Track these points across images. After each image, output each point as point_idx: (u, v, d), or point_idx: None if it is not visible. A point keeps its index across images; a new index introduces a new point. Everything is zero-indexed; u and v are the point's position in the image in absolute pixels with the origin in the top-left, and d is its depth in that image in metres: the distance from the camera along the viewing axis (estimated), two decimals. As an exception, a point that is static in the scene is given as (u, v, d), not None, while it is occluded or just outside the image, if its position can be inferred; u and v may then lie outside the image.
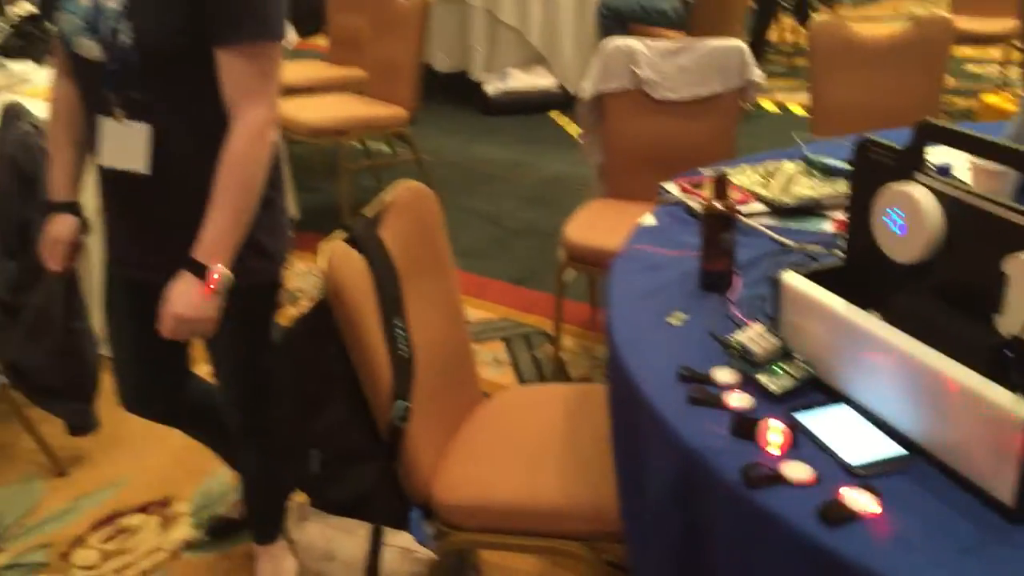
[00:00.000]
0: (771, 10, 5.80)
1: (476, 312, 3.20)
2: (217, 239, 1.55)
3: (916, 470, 1.12)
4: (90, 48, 1.55)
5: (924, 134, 1.20)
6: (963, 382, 1.06)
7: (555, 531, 1.58)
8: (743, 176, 1.97)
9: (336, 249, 1.55)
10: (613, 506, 1.54)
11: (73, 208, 1.76)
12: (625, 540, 1.47)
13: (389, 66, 3.85)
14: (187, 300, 1.55)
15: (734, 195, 1.87)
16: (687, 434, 1.22)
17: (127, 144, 1.60)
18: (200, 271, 1.54)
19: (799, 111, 5.19)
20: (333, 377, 1.64)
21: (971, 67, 6.01)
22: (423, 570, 1.58)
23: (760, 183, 1.91)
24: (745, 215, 1.82)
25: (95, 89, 1.60)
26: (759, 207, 1.85)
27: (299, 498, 1.75)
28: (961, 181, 1.19)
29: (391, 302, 1.63)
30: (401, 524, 1.64)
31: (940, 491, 1.09)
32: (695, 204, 1.87)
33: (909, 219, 1.20)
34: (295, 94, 3.98)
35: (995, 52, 5.52)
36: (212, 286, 1.54)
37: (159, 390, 1.91)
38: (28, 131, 2.19)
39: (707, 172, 2.03)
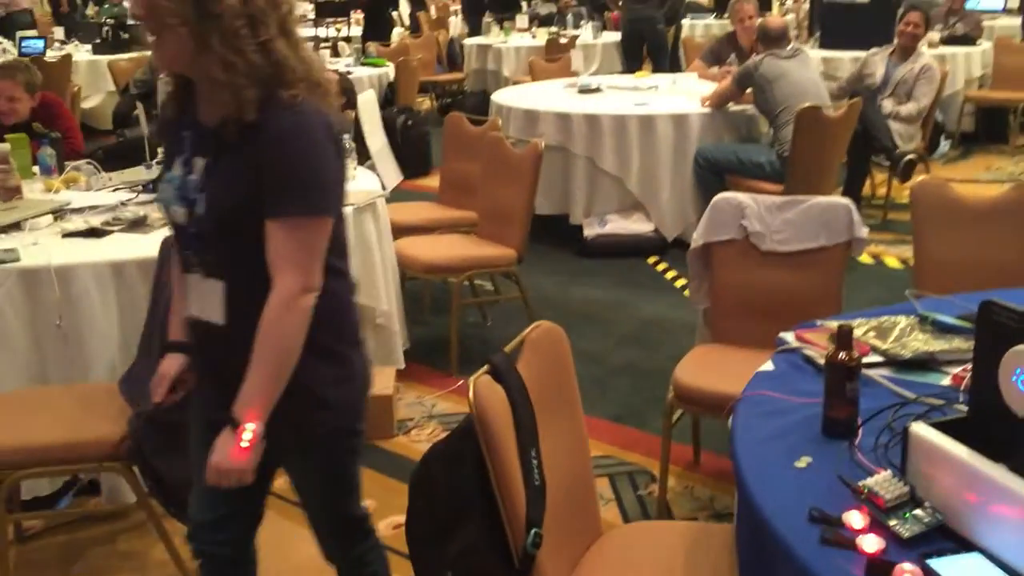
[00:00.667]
0: (864, 165, 5.95)
1: (579, 448, 3.28)
2: (251, 397, 1.70)
3: (1051, 619, 1.17)
4: (177, 214, 1.77)
5: (1048, 300, 1.30)
6: (1097, 535, 1.12)
7: (679, 665, 1.63)
8: (857, 329, 2.07)
9: (482, 381, 1.69)
10: (738, 644, 1.59)
11: (183, 348, 1.94)
12: None
13: (500, 210, 4.08)
14: (223, 452, 1.69)
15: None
16: (823, 574, 1.29)
17: (207, 298, 1.78)
18: (236, 426, 1.69)
19: (895, 264, 5.26)
20: (469, 502, 1.75)
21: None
22: None
23: (874, 336, 2.00)
24: (864, 365, 1.91)
25: (181, 249, 1.82)
26: (875, 358, 1.93)
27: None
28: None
29: (528, 433, 1.75)
30: (527, 647, 1.71)
31: (1077, 641, 1.13)
32: (812, 353, 1.97)
33: (1036, 378, 1.28)
34: (408, 233, 4.23)
35: None
36: (241, 441, 1.67)
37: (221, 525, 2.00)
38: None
39: (822, 323, 2.13)
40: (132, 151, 4.11)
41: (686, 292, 4.90)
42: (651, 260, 5.47)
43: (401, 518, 2.87)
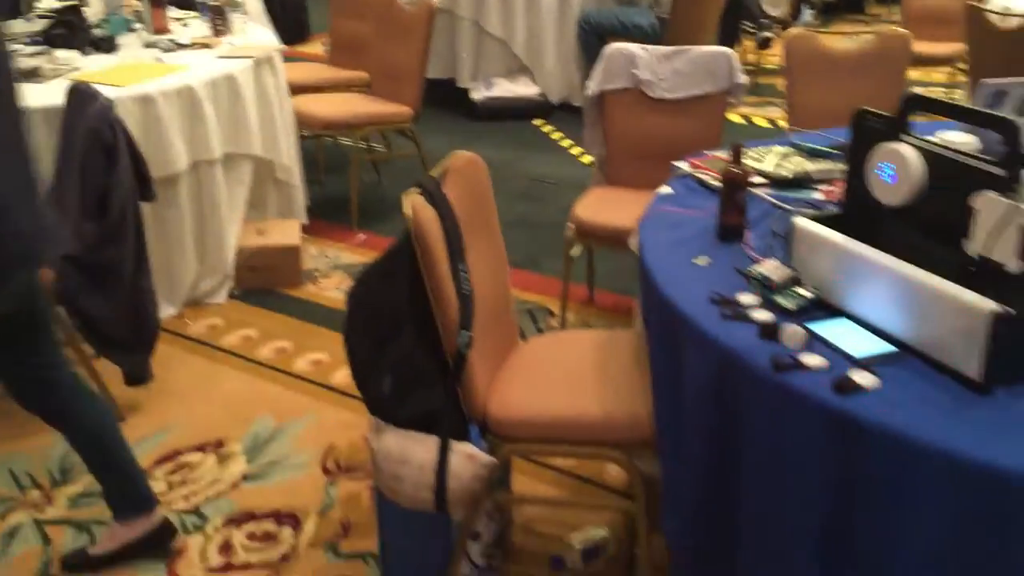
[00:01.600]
0: (735, 30, 6.21)
1: (481, 291, 3.49)
2: None
3: (905, 362, 1.45)
4: None
5: (910, 103, 1.54)
6: (941, 289, 1.39)
7: (596, 439, 1.89)
8: (745, 158, 2.30)
9: (417, 200, 1.84)
10: (645, 418, 1.85)
11: None
12: (657, 443, 1.78)
13: (393, 68, 4.14)
14: None
15: (738, 170, 2.20)
16: (723, 339, 1.53)
17: None
18: None
19: (763, 123, 5.58)
20: (404, 311, 1.92)
21: (918, 90, 6.46)
22: (485, 472, 1.87)
23: (756, 161, 2.25)
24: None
25: None
26: (759, 180, 2.18)
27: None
28: (938, 141, 1.52)
29: (456, 248, 1.93)
30: (460, 437, 1.92)
31: (924, 374, 1.41)
32: (704, 176, 2.19)
33: (898, 170, 1.53)
34: (301, 92, 4.25)
35: (939, 75, 5.99)
36: None
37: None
38: (106, 105, 2.45)
39: (710, 153, 2.36)
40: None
41: (572, 151, 5.12)
42: (538, 122, 5.63)
43: (317, 355, 3.06)
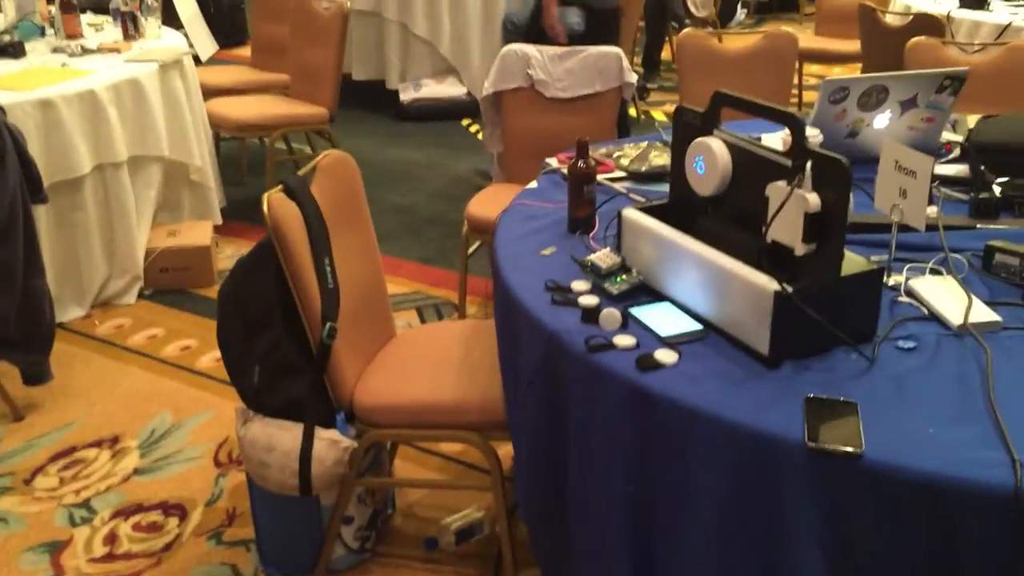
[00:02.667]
0: (662, 30, 6.34)
1: (392, 287, 3.58)
2: None
3: (710, 340, 1.55)
4: None
5: (718, 100, 1.64)
6: (737, 271, 1.50)
7: (451, 423, 1.98)
8: (615, 152, 2.41)
9: (275, 196, 1.93)
10: (497, 402, 1.94)
11: None
12: (507, 419, 1.87)
13: (310, 70, 4.21)
14: None
15: (600, 164, 2.30)
16: (550, 323, 1.63)
17: None
18: None
19: (661, 117, 5.72)
20: (271, 304, 2.01)
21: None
22: (345, 456, 1.96)
23: (622, 157, 2.35)
24: (610, 180, 2.25)
25: None
26: (620, 173, 2.28)
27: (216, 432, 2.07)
28: (743, 136, 1.63)
29: (321, 242, 2.01)
30: (328, 424, 2.01)
31: (723, 351, 1.52)
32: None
33: (707, 163, 1.64)
34: (221, 95, 4.31)
35: (842, 70, 6.17)
36: None
37: None
38: (-6, 111, 2.50)
39: (581, 149, 2.47)
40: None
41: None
42: (465, 122, 5.72)
43: (187, 341, 3.11)
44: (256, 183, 4.65)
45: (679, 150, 1.74)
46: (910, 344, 1.52)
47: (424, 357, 2.16)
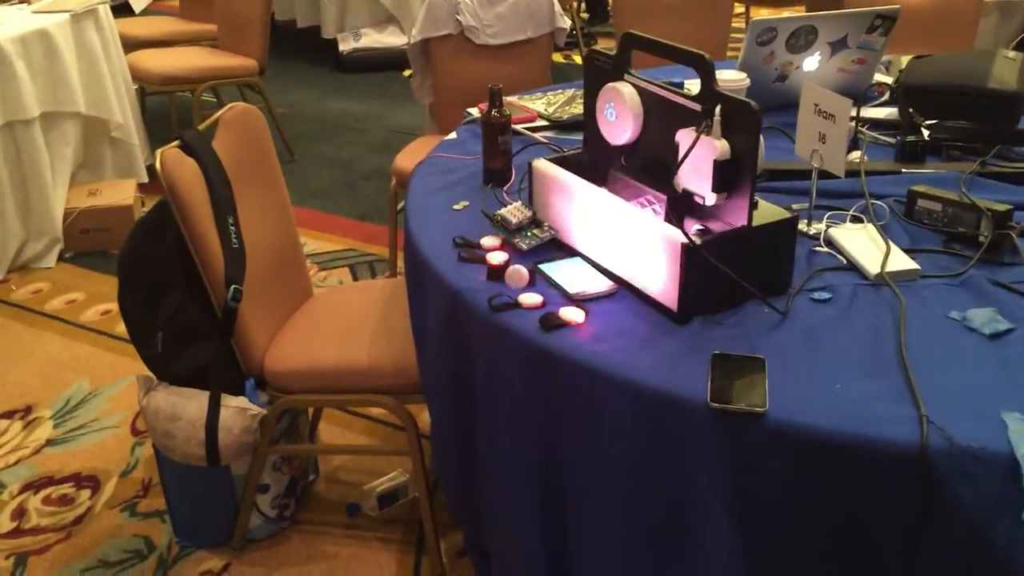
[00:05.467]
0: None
1: (325, 244, 3.48)
2: None
3: (620, 296, 1.48)
4: None
5: (627, 42, 1.55)
6: (645, 224, 1.42)
7: (365, 387, 1.90)
8: (538, 100, 2.32)
9: (170, 154, 1.82)
10: (414, 364, 1.87)
11: None
12: (421, 384, 1.80)
13: (238, 20, 4.04)
14: None
15: (522, 113, 2.21)
16: (455, 281, 1.55)
17: None
18: None
19: None
20: (173, 267, 1.91)
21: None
22: (254, 424, 1.88)
23: (544, 104, 2.26)
24: (531, 128, 2.16)
25: None
26: (541, 123, 2.19)
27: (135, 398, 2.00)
28: (654, 80, 1.55)
29: (223, 201, 1.91)
30: (237, 391, 1.92)
31: (633, 308, 1.45)
32: (490, 122, 2.20)
33: (618, 109, 1.55)
34: (147, 47, 4.13)
35: (788, 13, 6.09)
36: None
37: None
38: None
39: (506, 99, 2.37)
40: None
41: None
42: (407, 73, 5.57)
43: (108, 305, 3.01)
44: (187, 139, 4.49)
45: (591, 97, 1.65)
46: (825, 296, 1.46)
47: (340, 319, 2.07)
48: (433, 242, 1.68)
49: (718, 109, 1.39)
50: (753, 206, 1.40)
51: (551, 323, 1.40)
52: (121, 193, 3.46)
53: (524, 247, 1.61)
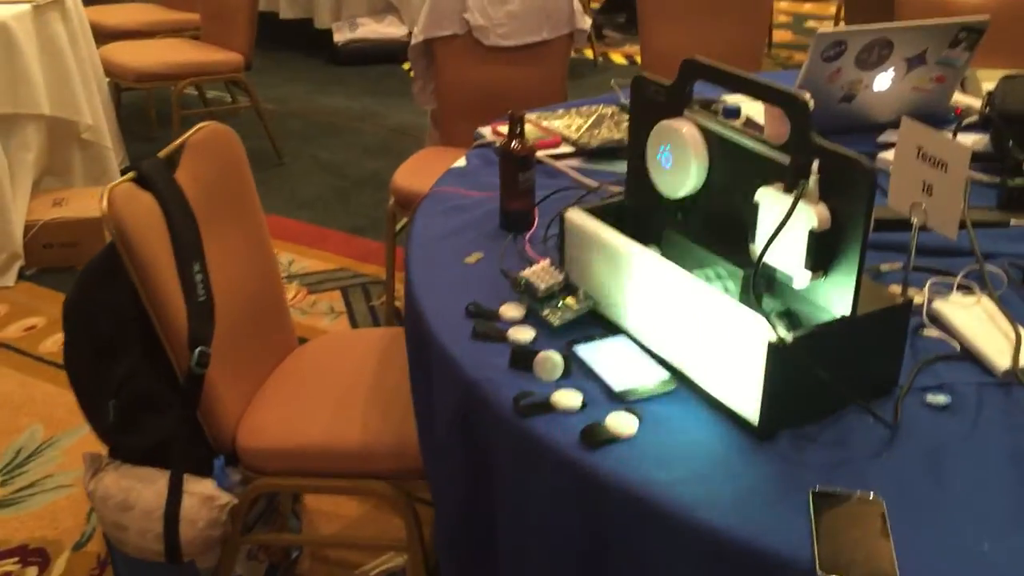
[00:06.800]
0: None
1: (314, 263, 3.16)
2: None
3: (678, 394, 1.17)
4: None
5: (689, 71, 1.23)
6: (718, 306, 1.11)
7: (357, 471, 1.59)
8: (559, 120, 2.00)
9: (120, 190, 1.49)
10: (414, 443, 1.55)
11: None
12: (426, 474, 1.49)
13: (223, 9, 3.70)
14: None
15: (543, 137, 1.89)
16: (468, 367, 1.23)
17: None
18: None
19: (621, 61, 5.29)
20: (127, 322, 1.59)
21: (811, 23, 6.24)
22: (222, 516, 1.56)
23: (569, 126, 1.94)
24: (554, 156, 1.84)
25: None
26: (568, 149, 1.87)
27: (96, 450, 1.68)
28: (726, 121, 1.23)
29: (188, 245, 1.59)
30: (203, 471, 1.61)
31: (698, 413, 1.14)
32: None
33: (675, 154, 1.23)
34: (123, 38, 3.80)
35: (810, 7, 5.74)
36: None
37: None
38: None
39: (534, 114, 2.05)
40: None
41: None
42: (406, 66, 5.24)
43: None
44: (168, 136, 4.16)
45: (639, 135, 1.33)
46: (943, 399, 1.15)
47: (327, 382, 1.76)
48: (441, 309, 1.36)
49: (816, 163, 1.07)
50: (859, 289, 1.09)
51: (597, 438, 1.08)
52: (89, 203, 3.13)
53: (555, 322, 1.29)
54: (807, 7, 5.83)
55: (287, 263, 3.14)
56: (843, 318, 1.09)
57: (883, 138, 1.91)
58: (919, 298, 1.33)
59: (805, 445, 1.08)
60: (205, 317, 1.59)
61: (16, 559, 1.95)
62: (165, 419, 1.60)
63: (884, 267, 1.43)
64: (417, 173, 2.60)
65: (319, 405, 1.68)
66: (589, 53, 5.21)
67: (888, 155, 1.80)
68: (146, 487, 1.57)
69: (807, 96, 1.07)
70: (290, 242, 3.26)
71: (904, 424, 1.11)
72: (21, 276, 3.01)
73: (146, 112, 4.20)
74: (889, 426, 1.10)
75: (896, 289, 1.34)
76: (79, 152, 3.30)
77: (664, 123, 1.25)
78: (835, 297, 1.10)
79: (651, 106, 1.30)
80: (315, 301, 2.91)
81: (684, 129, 1.22)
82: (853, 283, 1.07)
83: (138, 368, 1.60)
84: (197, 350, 1.55)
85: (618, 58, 5.35)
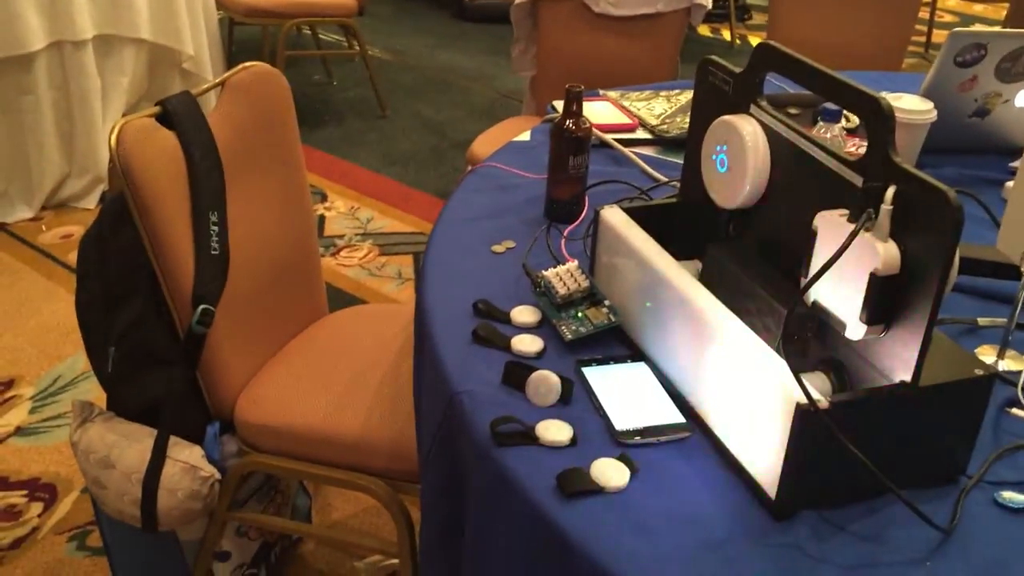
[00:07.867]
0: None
1: (392, 223, 3.03)
2: None
3: (691, 445, 0.97)
4: None
5: (762, 58, 1.02)
6: (746, 349, 0.90)
7: (352, 464, 1.45)
8: (643, 102, 1.79)
9: (134, 125, 1.38)
10: (410, 445, 1.41)
11: None
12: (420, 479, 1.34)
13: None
14: None
15: (620, 119, 1.69)
16: (455, 375, 1.07)
17: None
18: None
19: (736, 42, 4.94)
20: (136, 268, 1.48)
21: (978, 26, 5.73)
22: (204, 488, 1.45)
23: (651, 110, 1.73)
24: (624, 142, 1.64)
25: None
26: (643, 135, 1.67)
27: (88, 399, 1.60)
28: (797, 125, 1.02)
29: (207, 192, 1.47)
30: (195, 437, 1.50)
31: (708, 472, 0.94)
32: (575, 124, 1.69)
33: (732, 156, 1.03)
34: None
35: (982, 8, 5.23)
36: None
37: None
38: None
39: (605, 92, 1.85)
40: None
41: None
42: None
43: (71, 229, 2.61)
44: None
45: (698, 128, 1.12)
46: (1020, 498, 0.91)
47: (343, 359, 1.62)
48: (448, 301, 1.20)
49: (891, 191, 0.85)
50: (925, 351, 0.86)
51: (575, 486, 0.90)
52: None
53: (568, 335, 1.11)
54: (977, 8, 5.33)
55: (365, 220, 3.02)
56: (901, 385, 0.87)
57: (1017, 164, 1.62)
58: (1017, 365, 1.09)
59: (830, 535, 0.87)
60: (216, 273, 1.47)
61: (24, 492, 1.91)
62: (164, 376, 1.50)
63: (983, 321, 1.18)
64: (498, 142, 2.43)
65: (327, 386, 1.54)
66: (727, 34, 4.90)
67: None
68: (130, 445, 1.47)
69: (886, 102, 0.84)
70: (372, 198, 3.15)
71: (963, 525, 0.88)
72: (102, 200, 3.00)
73: (259, 50, 4.16)
74: (940, 529, 0.87)
75: (988, 352, 1.10)
76: (180, 82, 3.26)
77: (724, 119, 1.04)
78: (896, 357, 0.88)
79: (716, 95, 1.09)
80: (384, 263, 2.79)
81: (745, 129, 1.01)
82: (919, 344, 0.85)
83: (143, 318, 1.50)
84: (200, 307, 1.44)
85: (755, 40, 5.03)
